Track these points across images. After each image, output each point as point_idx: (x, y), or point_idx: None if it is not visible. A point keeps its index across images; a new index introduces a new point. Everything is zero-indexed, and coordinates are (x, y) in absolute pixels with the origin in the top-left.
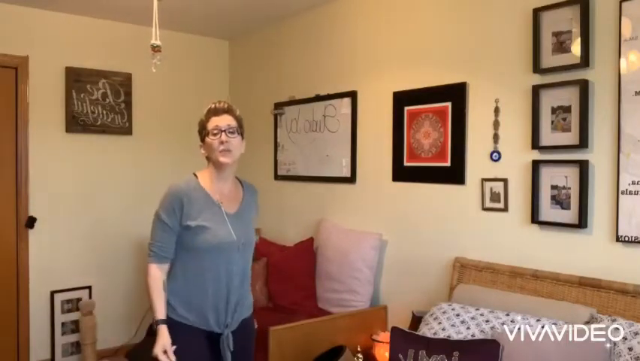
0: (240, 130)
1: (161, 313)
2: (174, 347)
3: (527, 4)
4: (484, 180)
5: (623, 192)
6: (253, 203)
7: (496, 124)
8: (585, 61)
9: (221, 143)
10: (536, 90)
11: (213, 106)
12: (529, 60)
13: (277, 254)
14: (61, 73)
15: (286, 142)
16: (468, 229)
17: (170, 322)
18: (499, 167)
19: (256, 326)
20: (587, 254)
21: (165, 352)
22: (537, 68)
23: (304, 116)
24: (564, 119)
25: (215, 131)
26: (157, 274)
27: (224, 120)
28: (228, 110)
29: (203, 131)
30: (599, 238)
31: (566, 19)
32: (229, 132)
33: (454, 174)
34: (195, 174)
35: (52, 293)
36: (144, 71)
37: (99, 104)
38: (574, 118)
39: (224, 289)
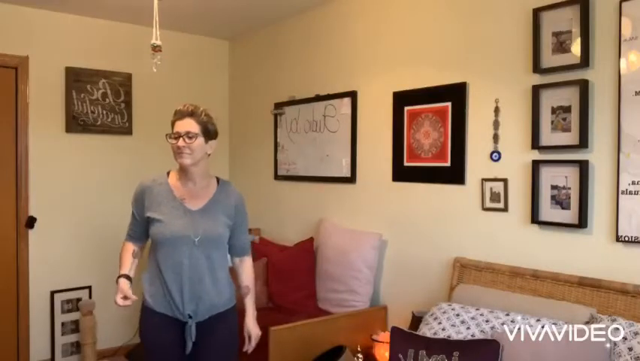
0: (206, 133)
1: (123, 269)
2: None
3: (527, 4)
4: (484, 180)
5: (623, 192)
6: (228, 203)
7: (496, 124)
8: (585, 61)
9: (178, 147)
10: (536, 90)
11: (179, 108)
12: (529, 60)
13: (277, 254)
14: (61, 73)
15: (286, 142)
16: (468, 229)
17: (142, 306)
18: (499, 167)
19: (253, 333)
20: (587, 254)
21: (125, 298)
22: (537, 68)
23: (304, 116)
24: (564, 119)
25: (175, 135)
26: (127, 245)
27: (184, 125)
28: (192, 114)
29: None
30: (599, 238)
31: (566, 19)
32: (187, 138)
33: (454, 174)
34: (169, 172)
35: (52, 293)
36: (144, 71)
37: (99, 104)
38: (574, 118)
39: (178, 280)
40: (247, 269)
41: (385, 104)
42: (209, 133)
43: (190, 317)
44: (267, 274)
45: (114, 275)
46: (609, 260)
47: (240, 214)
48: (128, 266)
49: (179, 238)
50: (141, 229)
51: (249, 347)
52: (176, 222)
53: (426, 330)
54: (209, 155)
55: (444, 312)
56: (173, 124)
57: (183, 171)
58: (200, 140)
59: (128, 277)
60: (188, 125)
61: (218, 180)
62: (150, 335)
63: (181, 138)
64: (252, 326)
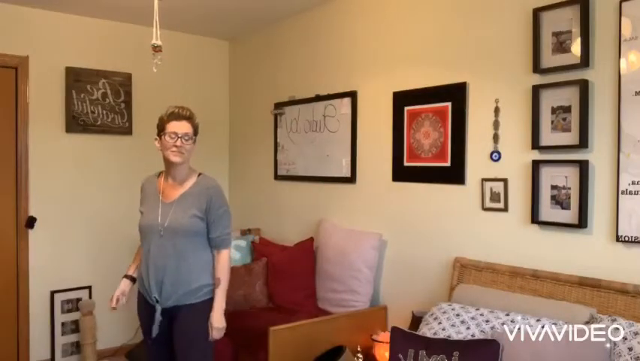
0: (194, 137)
1: (129, 270)
2: (124, 298)
3: (527, 4)
4: (484, 180)
5: (623, 192)
6: (200, 197)
7: (496, 124)
8: (585, 61)
9: (175, 146)
10: (536, 90)
11: (176, 111)
12: (529, 60)
13: (277, 254)
14: (61, 73)
15: (286, 142)
16: (468, 229)
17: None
18: (499, 167)
19: (213, 325)
20: (587, 254)
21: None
22: (537, 68)
23: (304, 116)
24: (564, 119)
25: (172, 135)
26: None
27: (183, 127)
28: (189, 118)
29: (161, 130)
30: (599, 238)
31: (566, 19)
32: (184, 139)
33: (454, 174)
34: (162, 171)
35: (52, 293)
36: (144, 71)
37: (99, 104)
38: (574, 118)
39: (146, 266)
40: (221, 262)
41: (385, 104)
42: (196, 137)
43: (157, 301)
44: (267, 274)
45: (114, 275)
46: (609, 260)
47: (214, 209)
48: (134, 266)
49: (148, 228)
50: None
51: (212, 336)
52: (151, 213)
53: (426, 330)
54: None
55: (444, 312)
56: (166, 123)
57: (169, 167)
58: (192, 142)
59: (131, 278)
60: (186, 127)
61: (200, 177)
62: (138, 315)
63: (179, 139)
64: (214, 318)
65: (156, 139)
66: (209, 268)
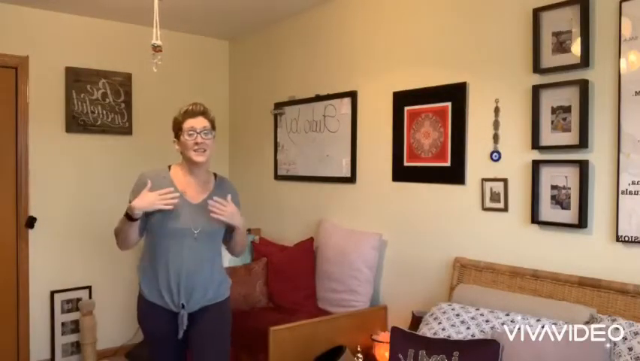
0: (213, 131)
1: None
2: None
3: (527, 4)
4: (484, 180)
5: (623, 192)
6: (224, 198)
7: (496, 124)
8: (585, 61)
9: (196, 143)
10: (536, 90)
11: (190, 108)
12: (529, 60)
13: (277, 254)
14: (61, 73)
15: (286, 142)
16: (468, 229)
17: (139, 296)
18: (499, 167)
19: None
20: (586, 254)
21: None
22: (537, 68)
23: (304, 116)
24: (564, 119)
25: (190, 132)
26: None
27: (200, 122)
28: (204, 113)
29: (178, 130)
30: (599, 238)
31: (566, 19)
32: (204, 134)
33: (454, 174)
34: (170, 166)
35: (52, 293)
36: (144, 71)
37: (99, 104)
38: (574, 118)
39: (176, 272)
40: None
41: (385, 104)
42: (215, 132)
43: (183, 306)
44: (267, 274)
45: (114, 275)
46: (609, 260)
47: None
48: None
49: (179, 230)
50: (139, 223)
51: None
52: (177, 215)
53: (426, 330)
54: None
55: (444, 312)
56: (182, 122)
57: (191, 167)
58: (212, 138)
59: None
60: (203, 122)
61: (215, 175)
62: (145, 323)
63: (198, 135)
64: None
65: (174, 141)
66: (224, 267)
